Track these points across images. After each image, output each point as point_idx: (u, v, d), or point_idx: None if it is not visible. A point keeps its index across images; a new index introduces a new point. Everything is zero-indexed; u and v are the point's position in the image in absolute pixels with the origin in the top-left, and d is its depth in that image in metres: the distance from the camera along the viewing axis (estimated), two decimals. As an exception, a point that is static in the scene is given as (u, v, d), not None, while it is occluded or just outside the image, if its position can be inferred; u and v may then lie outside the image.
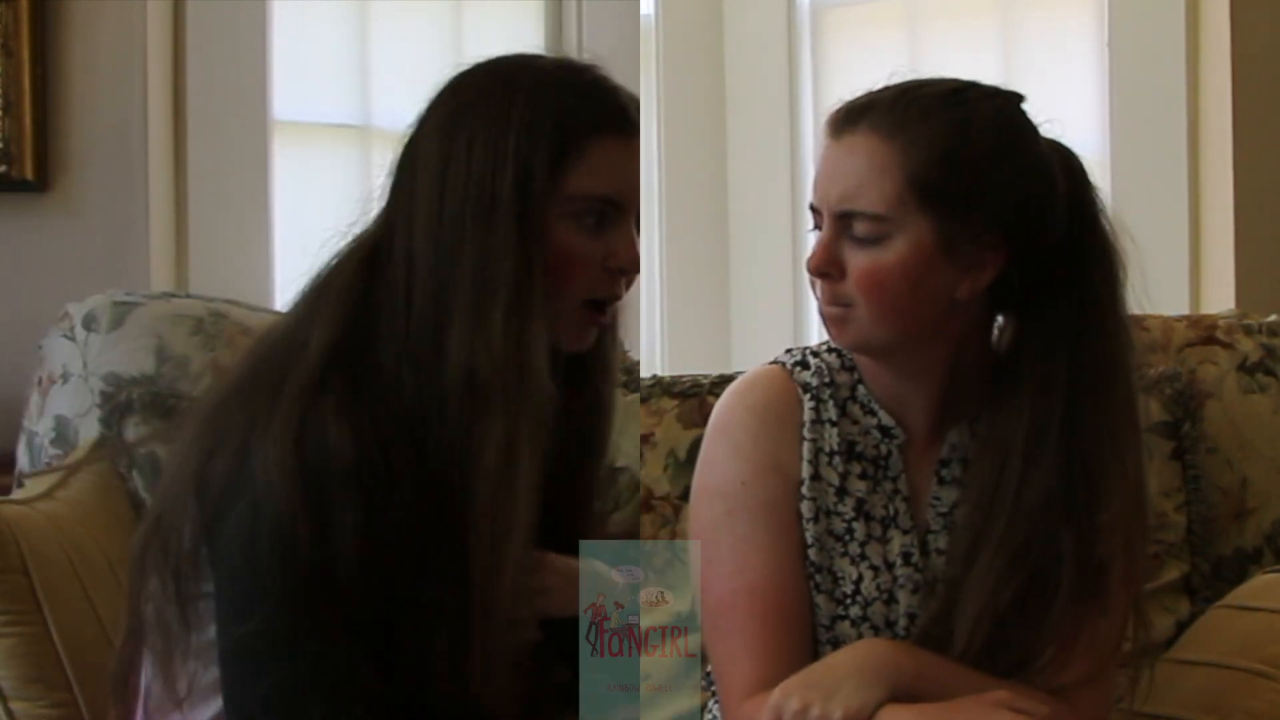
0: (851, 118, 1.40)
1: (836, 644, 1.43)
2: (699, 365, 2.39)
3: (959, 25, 3.03)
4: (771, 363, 1.52)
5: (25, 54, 2.35)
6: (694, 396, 1.90)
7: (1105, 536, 1.38)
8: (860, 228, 1.38)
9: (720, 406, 1.50)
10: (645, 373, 2.01)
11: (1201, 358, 1.96)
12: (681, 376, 1.96)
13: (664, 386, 1.94)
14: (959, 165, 1.37)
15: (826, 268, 1.40)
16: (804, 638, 1.43)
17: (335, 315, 1.37)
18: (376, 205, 1.42)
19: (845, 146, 1.40)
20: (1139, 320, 1.96)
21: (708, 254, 3.20)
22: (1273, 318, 2.01)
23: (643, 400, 1.91)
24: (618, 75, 1.44)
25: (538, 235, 1.36)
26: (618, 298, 1.43)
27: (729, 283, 3.21)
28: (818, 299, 1.43)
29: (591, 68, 1.42)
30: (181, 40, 2.49)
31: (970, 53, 2.97)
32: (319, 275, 1.41)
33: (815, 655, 1.43)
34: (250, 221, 2.56)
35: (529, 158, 1.35)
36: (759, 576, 1.43)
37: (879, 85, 1.42)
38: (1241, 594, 1.78)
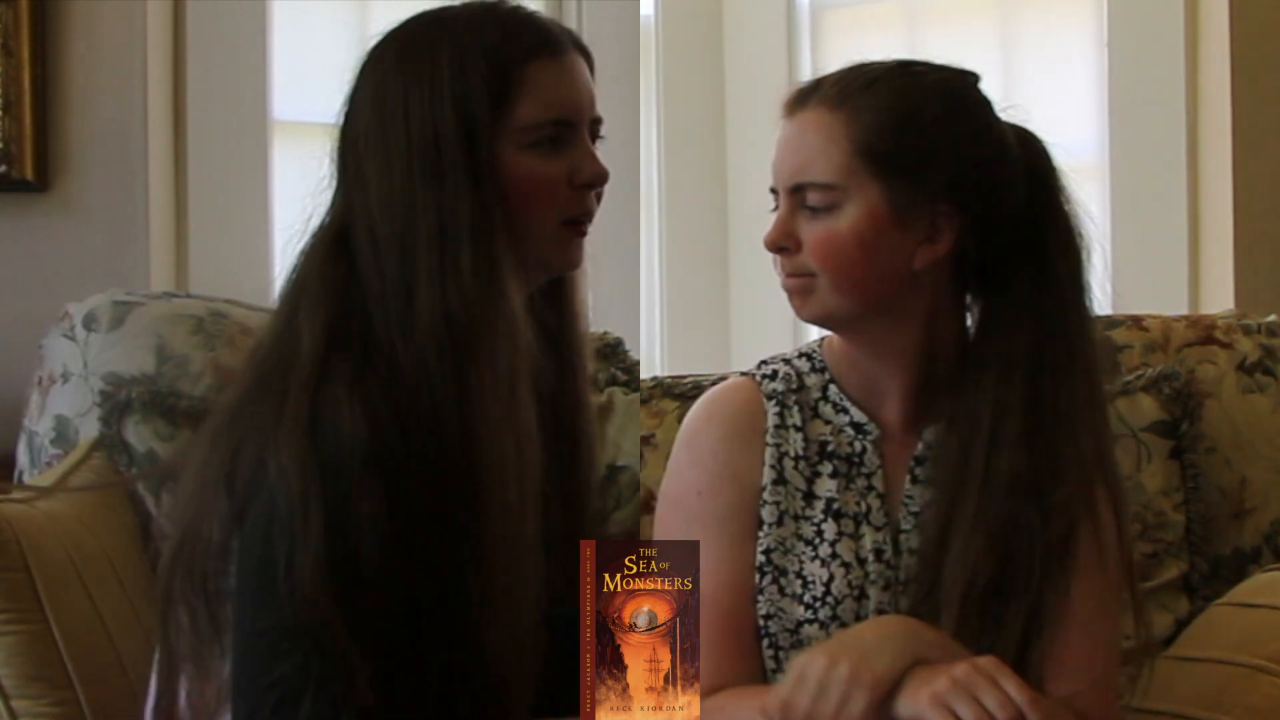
0: (801, 96, 1.43)
1: (801, 647, 1.44)
2: (699, 365, 2.39)
3: (959, 25, 3.03)
4: (743, 374, 1.53)
5: (25, 54, 2.35)
6: (694, 397, 1.90)
7: (1060, 514, 1.39)
8: (812, 198, 1.40)
9: (688, 417, 1.53)
10: (645, 373, 2.02)
11: (1200, 357, 1.96)
12: (682, 377, 1.96)
13: (665, 388, 1.94)
14: (905, 131, 1.39)
15: (783, 241, 1.42)
16: (753, 644, 1.45)
17: (319, 302, 1.38)
18: (328, 192, 1.44)
19: (796, 124, 1.43)
20: (1138, 319, 1.98)
21: (708, 254, 3.20)
22: (1271, 318, 2.02)
23: (643, 401, 1.91)
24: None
25: (492, 173, 1.38)
26: (591, 212, 1.45)
27: (729, 283, 3.21)
28: (779, 274, 1.45)
29: (502, 1, 1.44)
30: (181, 40, 2.49)
31: (970, 53, 2.95)
32: (293, 271, 1.43)
33: (776, 660, 1.44)
34: (250, 221, 2.56)
35: (467, 100, 1.37)
36: (712, 585, 1.43)
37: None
38: (1241, 592, 1.78)
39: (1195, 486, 1.91)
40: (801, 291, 1.43)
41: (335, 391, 1.32)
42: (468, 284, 1.36)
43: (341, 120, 1.43)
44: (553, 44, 1.42)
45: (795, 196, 1.42)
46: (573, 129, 1.43)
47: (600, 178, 1.44)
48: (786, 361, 1.52)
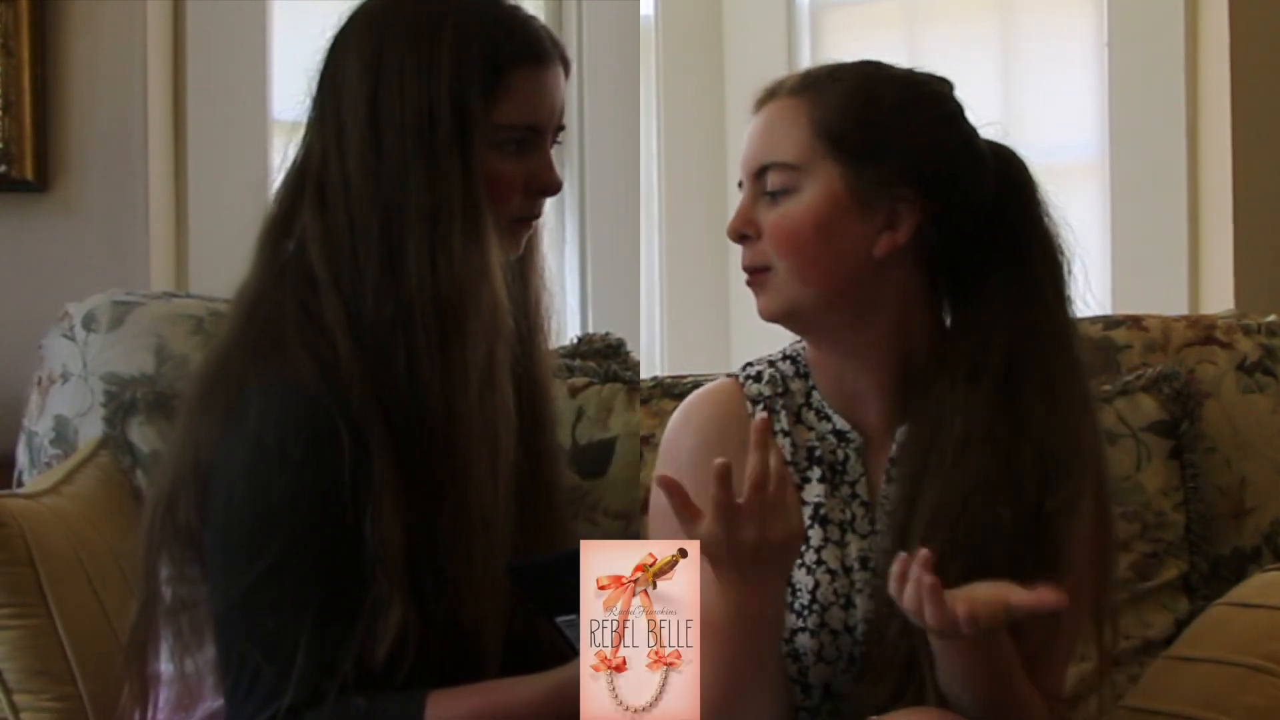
0: (770, 91, 1.46)
1: (796, 656, 1.43)
2: (699, 365, 2.39)
3: (958, 26, 3.03)
4: (728, 375, 1.53)
5: (25, 54, 2.35)
6: (694, 397, 1.90)
7: (1057, 518, 1.38)
8: (772, 180, 1.42)
9: (670, 424, 1.52)
10: (645, 373, 2.01)
11: (1200, 357, 1.96)
12: (683, 377, 1.96)
13: (664, 388, 1.94)
14: (864, 114, 1.40)
15: (744, 228, 1.43)
16: None
17: (275, 255, 1.45)
18: (301, 132, 1.48)
19: (762, 115, 1.45)
20: (1138, 319, 1.98)
21: (708, 254, 3.20)
22: (1271, 318, 2.01)
23: (643, 401, 1.91)
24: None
25: (477, 162, 1.42)
26: (539, 216, 1.51)
27: (729, 283, 3.21)
28: (744, 270, 1.45)
29: None
30: (181, 40, 2.49)
31: (970, 53, 2.97)
32: (274, 210, 1.48)
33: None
34: (250, 222, 2.56)
35: (463, 91, 1.41)
36: (709, 600, 1.42)
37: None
38: (1241, 592, 1.78)
39: (1195, 486, 1.91)
40: (761, 286, 1.43)
41: (294, 347, 1.38)
42: (458, 265, 1.40)
43: (325, 62, 1.47)
44: (543, 54, 1.46)
45: (758, 183, 1.43)
46: (539, 135, 1.47)
47: (555, 187, 1.49)
48: (771, 364, 1.51)
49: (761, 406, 1.47)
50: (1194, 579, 1.89)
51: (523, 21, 1.47)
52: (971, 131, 1.44)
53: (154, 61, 2.43)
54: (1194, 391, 1.93)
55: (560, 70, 1.49)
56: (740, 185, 1.46)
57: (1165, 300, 2.49)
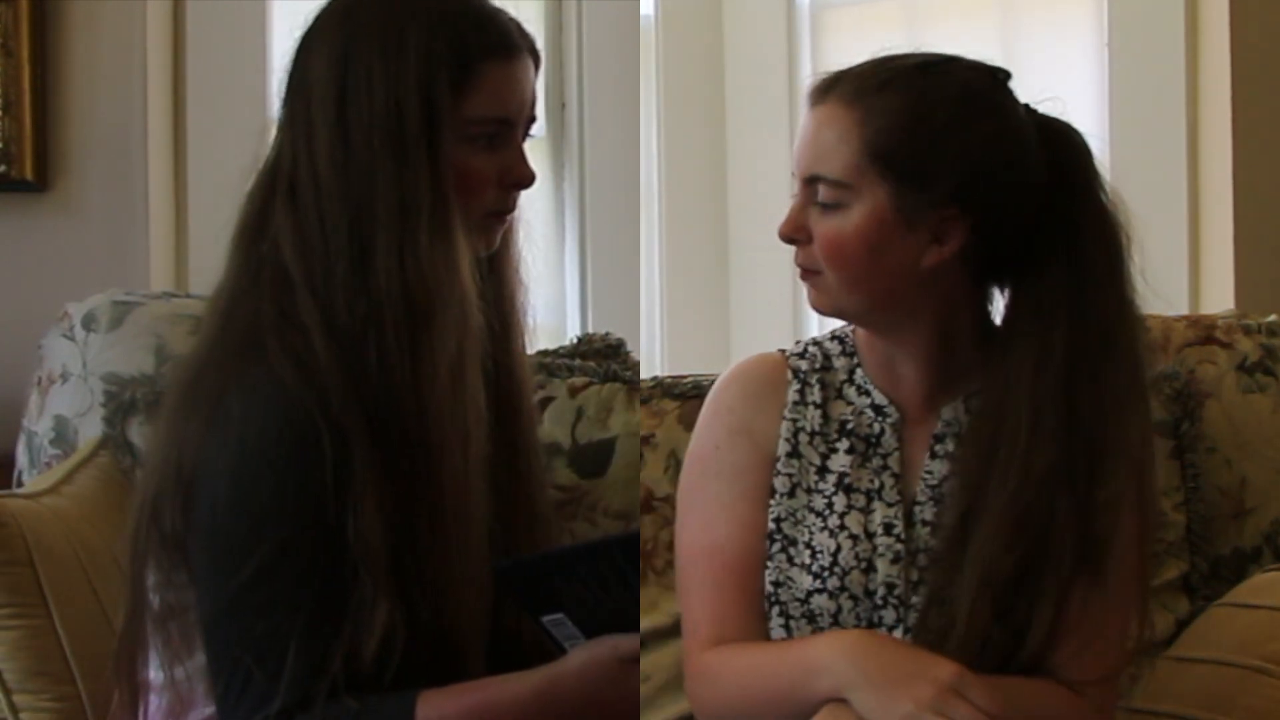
0: (825, 87, 1.45)
1: (812, 617, 1.46)
2: (699, 365, 2.38)
3: (959, 26, 3.02)
4: (779, 350, 1.58)
5: (25, 54, 2.36)
6: (695, 398, 1.90)
7: (1105, 511, 1.39)
8: (823, 194, 1.43)
9: (718, 381, 1.59)
10: (645, 373, 2.01)
11: (1200, 357, 1.96)
12: (683, 377, 1.96)
13: (665, 388, 1.94)
14: (914, 135, 1.40)
15: (794, 233, 1.45)
16: (756, 598, 1.48)
17: (264, 248, 1.43)
18: (273, 131, 1.47)
19: (816, 115, 1.45)
20: (1138, 320, 1.98)
21: (708, 254, 3.20)
22: (1272, 318, 2.01)
23: (643, 401, 1.91)
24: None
25: (446, 158, 1.42)
26: (513, 210, 1.51)
27: (729, 283, 3.21)
28: (797, 265, 1.48)
29: None
30: (181, 40, 2.50)
31: (970, 53, 2.96)
32: (244, 212, 1.48)
33: (786, 630, 1.47)
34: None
35: (431, 86, 1.41)
36: (721, 537, 1.48)
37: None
38: (1241, 592, 1.78)
39: (1195, 486, 1.91)
40: (813, 286, 1.47)
41: (273, 350, 1.38)
42: (425, 261, 1.40)
43: (294, 61, 1.47)
44: (511, 46, 1.46)
45: (809, 189, 1.44)
46: (510, 128, 1.47)
47: (528, 180, 1.49)
48: (818, 343, 1.56)
49: (799, 379, 1.52)
50: (1194, 579, 1.89)
51: (490, 14, 1.47)
52: (1021, 136, 1.43)
53: (154, 61, 2.43)
54: (1194, 391, 1.93)
55: (530, 62, 1.49)
56: (793, 175, 1.47)
57: (1165, 300, 2.49)
